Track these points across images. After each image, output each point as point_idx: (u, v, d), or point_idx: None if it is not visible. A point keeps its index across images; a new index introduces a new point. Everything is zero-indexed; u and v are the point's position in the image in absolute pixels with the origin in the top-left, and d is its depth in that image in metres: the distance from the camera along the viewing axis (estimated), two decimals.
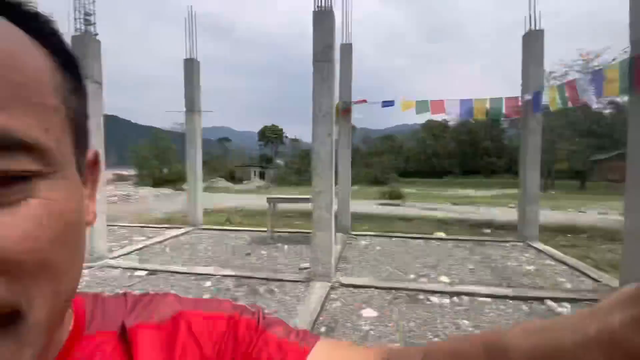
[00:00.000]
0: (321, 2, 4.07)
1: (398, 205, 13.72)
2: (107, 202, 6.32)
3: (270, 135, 72.80)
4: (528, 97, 5.82)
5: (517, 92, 6.21)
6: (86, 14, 4.62)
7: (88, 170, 0.26)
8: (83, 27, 4.53)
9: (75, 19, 4.54)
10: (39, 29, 0.21)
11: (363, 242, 6.25)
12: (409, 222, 9.10)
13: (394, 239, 6.60)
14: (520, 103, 6.10)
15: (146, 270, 4.43)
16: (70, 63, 0.24)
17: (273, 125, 75.20)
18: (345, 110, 6.84)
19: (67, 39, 0.25)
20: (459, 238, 6.66)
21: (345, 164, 7.06)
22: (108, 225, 5.34)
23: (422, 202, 14.64)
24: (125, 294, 0.34)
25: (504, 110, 6.19)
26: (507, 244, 6.10)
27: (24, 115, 0.18)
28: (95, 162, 0.27)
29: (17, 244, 0.17)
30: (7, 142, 0.17)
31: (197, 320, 0.32)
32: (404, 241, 6.37)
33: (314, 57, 4.08)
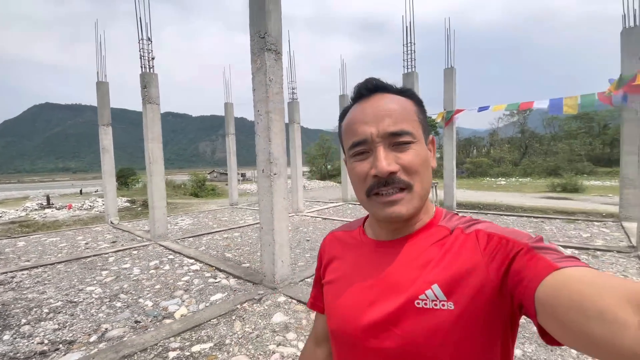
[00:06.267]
0: None
1: (565, 199, 12.38)
2: (289, 190, 11.08)
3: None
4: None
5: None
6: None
7: (429, 145, 0.59)
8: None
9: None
10: (402, 92, 0.56)
11: None
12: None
13: (489, 215, 8.40)
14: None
15: (320, 218, 8.61)
16: (420, 103, 0.57)
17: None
18: (449, 119, 9.06)
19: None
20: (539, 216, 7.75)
21: (449, 158, 9.27)
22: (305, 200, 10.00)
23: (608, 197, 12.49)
24: (464, 216, 0.60)
25: (597, 104, 6.89)
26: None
27: (408, 123, 0.53)
28: (432, 141, 0.59)
29: (412, 163, 0.52)
30: (404, 131, 0.52)
31: (484, 234, 0.52)
32: (496, 217, 8.10)
33: None
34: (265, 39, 3.57)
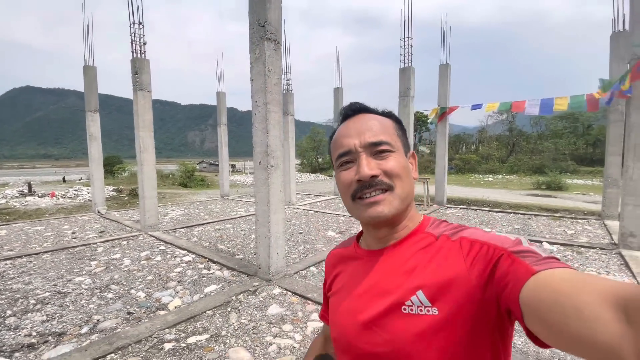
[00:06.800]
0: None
1: (549, 196, 12.65)
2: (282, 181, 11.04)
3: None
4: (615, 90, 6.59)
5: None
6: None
7: (410, 158, 0.64)
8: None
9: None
10: (383, 112, 0.65)
11: (449, 211, 8.60)
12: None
13: (477, 210, 8.58)
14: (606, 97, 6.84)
15: (313, 211, 8.61)
16: (399, 122, 0.65)
17: (417, 112, 74.56)
18: (442, 115, 9.12)
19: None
20: (534, 213, 7.99)
21: (441, 154, 9.37)
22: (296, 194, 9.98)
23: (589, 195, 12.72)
24: (451, 223, 0.62)
25: (585, 105, 7.06)
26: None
27: (387, 135, 0.59)
28: (413, 155, 0.65)
29: (392, 168, 0.58)
30: (382, 141, 0.58)
31: (467, 241, 0.53)
32: (485, 213, 8.28)
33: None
34: (265, 27, 3.49)
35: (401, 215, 0.60)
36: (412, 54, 7.00)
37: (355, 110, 0.64)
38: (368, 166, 0.57)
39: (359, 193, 0.58)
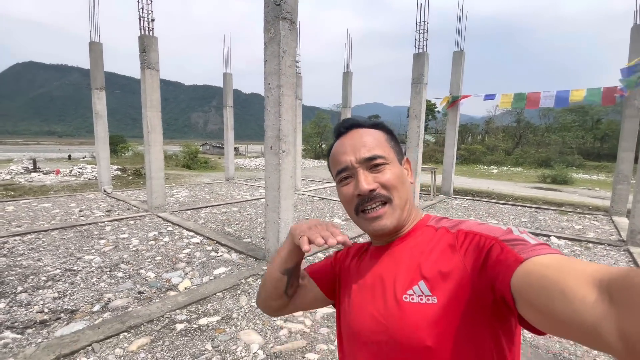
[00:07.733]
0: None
1: (554, 190, 12.55)
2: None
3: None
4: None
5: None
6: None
7: (405, 164, 0.69)
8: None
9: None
10: (374, 125, 0.69)
11: (455, 202, 8.55)
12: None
13: (484, 202, 8.53)
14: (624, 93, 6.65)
15: (318, 197, 8.59)
16: (390, 132, 0.69)
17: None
18: (453, 103, 8.95)
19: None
20: (540, 207, 7.95)
21: (450, 143, 9.25)
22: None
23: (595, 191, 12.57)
24: (451, 219, 0.65)
25: (601, 99, 6.89)
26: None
27: (380, 149, 0.64)
28: (407, 161, 0.70)
29: (388, 180, 0.62)
30: (377, 156, 0.63)
31: (462, 233, 0.57)
32: (492, 204, 8.23)
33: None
34: (281, 6, 3.36)
35: (403, 221, 0.65)
36: (427, 39, 6.79)
37: (348, 126, 0.68)
38: (365, 180, 0.61)
39: (360, 206, 0.63)
